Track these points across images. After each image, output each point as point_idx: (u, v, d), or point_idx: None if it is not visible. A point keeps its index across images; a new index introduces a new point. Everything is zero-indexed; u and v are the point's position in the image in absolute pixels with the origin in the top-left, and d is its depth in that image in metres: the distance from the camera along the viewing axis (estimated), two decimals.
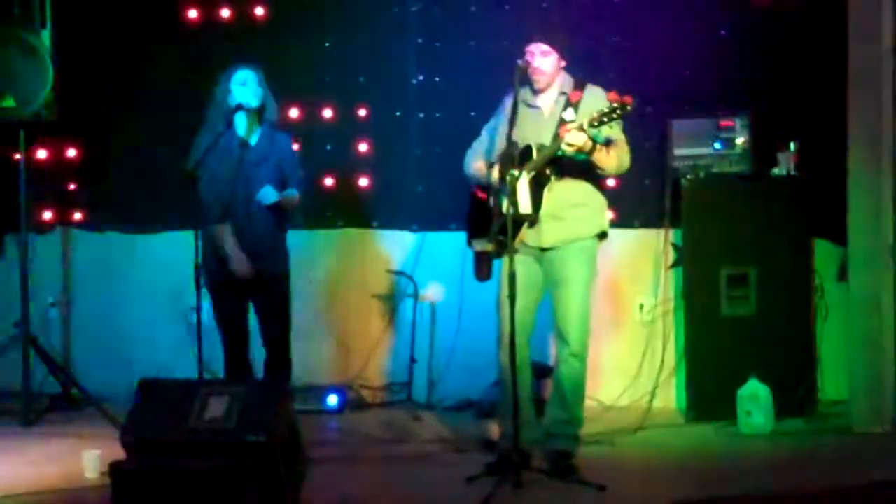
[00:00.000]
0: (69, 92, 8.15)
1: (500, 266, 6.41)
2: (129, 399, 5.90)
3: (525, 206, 6.26)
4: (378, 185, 8.68)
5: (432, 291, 8.37)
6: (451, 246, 7.79)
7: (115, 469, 5.60)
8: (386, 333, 8.63)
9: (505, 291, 6.14)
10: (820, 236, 7.94)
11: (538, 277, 6.45)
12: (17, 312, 8.09)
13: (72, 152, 8.84)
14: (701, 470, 6.68)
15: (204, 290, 6.70)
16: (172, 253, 8.39)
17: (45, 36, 7.91)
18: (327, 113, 8.61)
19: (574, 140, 6.14)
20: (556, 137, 6.27)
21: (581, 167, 6.38)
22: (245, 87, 6.82)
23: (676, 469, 6.74)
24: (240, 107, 6.81)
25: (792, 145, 7.82)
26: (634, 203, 8.22)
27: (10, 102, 7.91)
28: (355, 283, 8.73)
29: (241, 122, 6.91)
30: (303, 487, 5.87)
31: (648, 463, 6.84)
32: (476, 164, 6.65)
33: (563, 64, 6.50)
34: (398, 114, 8.67)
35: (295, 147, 7.34)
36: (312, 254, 8.54)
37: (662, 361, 8.05)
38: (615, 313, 8.35)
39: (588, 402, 6.80)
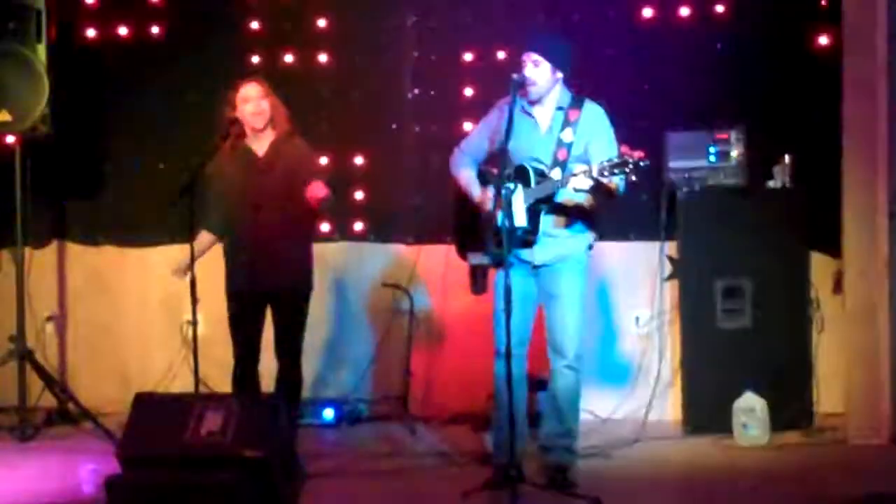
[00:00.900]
0: (65, 106, 8.16)
1: (496, 279, 6.42)
2: (126, 413, 5.90)
3: (520, 219, 6.26)
4: (374, 197, 8.68)
5: None
6: (447, 258, 7.79)
7: (111, 484, 5.60)
8: (382, 347, 8.62)
9: (500, 306, 6.14)
10: (815, 248, 7.95)
11: (533, 291, 6.46)
12: (13, 327, 8.08)
13: (67, 166, 8.83)
14: (697, 482, 6.67)
15: (203, 304, 6.68)
16: (168, 267, 8.39)
17: (41, 51, 7.92)
18: (323, 126, 8.61)
19: (580, 185, 6.13)
20: (566, 162, 6.27)
21: (571, 202, 6.39)
22: (251, 103, 6.79)
23: (673, 482, 6.73)
24: (234, 121, 6.78)
25: (787, 158, 7.84)
26: (630, 215, 8.22)
27: (6, 117, 7.91)
28: (351, 295, 8.73)
29: (252, 136, 6.86)
30: (299, 501, 5.87)
31: (645, 476, 6.83)
32: (464, 170, 6.63)
33: (560, 76, 6.47)
34: (394, 127, 8.68)
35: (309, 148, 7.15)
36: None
37: (658, 374, 8.05)
38: (611, 326, 8.35)
39: (584, 415, 6.81)
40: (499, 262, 6.25)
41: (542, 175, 6.31)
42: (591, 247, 6.54)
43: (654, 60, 8.28)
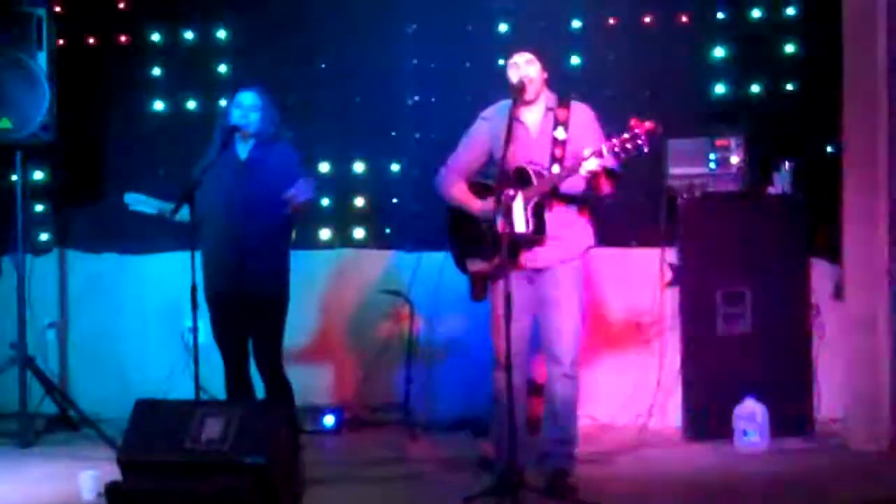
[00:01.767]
0: (66, 114, 8.17)
1: (493, 288, 6.41)
2: (126, 420, 5.91)
3: (521, 225, 6.26)
4: (373, 205, 8.69)
5: None
6: (447, 265, 7.79)
7: (111, 490, 5.61)
8: (382, 353, 8.62)
9: (500, 313, 6.14)
10: (816, 255, 7.94)
11: (531, 299, 6.46)
12: (14, 333, 8.09)
13: (68, 174, 8.84)
14: (698, 489, 6.67)
15: (203, 310, 6.70)
16: (169, 274, 8.41)
17: (42, 58, 7.93)
18: (323, 133, 8.62)
19: (592, 167, 6.14)
20: (563, 159, 6.27)
21: (577, 188, 6.40)
22: (240, 109, 6.80)
23: (673, 488, 6.72)
24: (235, 128, 6.79)
25: (787, 164, 7.84)
26: (630, 222, 8.22)
27: (6, 124, 7.93)
28: (351, 303, 8.74)
29: (239, 143, 6.87)
30: None
31: (645, 482, 6.83)
32: (455, 187, 6.61)
33: (546, 76, 6.50)
34: (394, 134, 8.69)
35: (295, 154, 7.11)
36: (308, 274, 8.54)
37: (659, 380, 8.05)
38: (612, 332, 8.35)
39: (584, 421, 6.81)
40: (498, 270, 6.25)
41: (542, 175, 6.32)
42: (588, 249, 6.54)
43: (655, 67, 8.29)
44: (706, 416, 7.68)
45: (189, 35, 8.80)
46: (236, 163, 6.81)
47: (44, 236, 8.88)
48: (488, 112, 6.60)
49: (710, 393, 7.68)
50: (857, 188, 7.33)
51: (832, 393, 7.77)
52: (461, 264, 6.65)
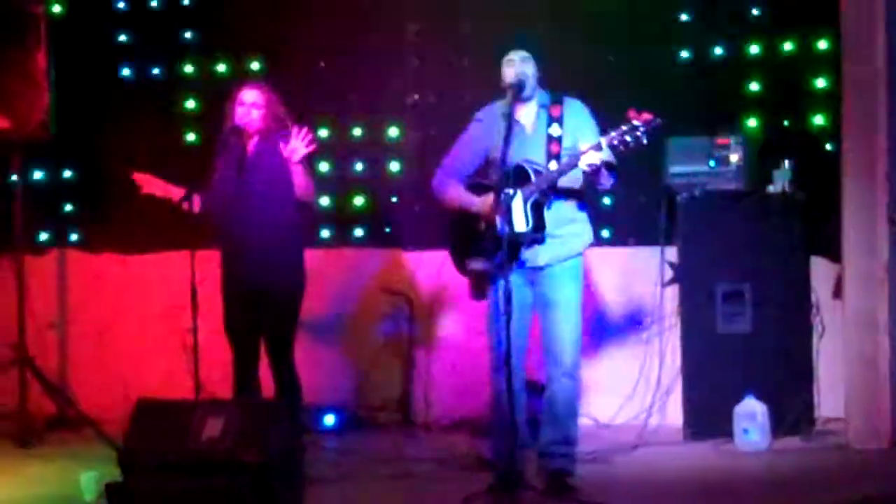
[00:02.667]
0: (65, 113, 8.17)
1: (493, 287, 6.41)
2: (126, 420, 5.90)
3: (521, 224, 6.26)
4: (374, 204, 8.70)
5: None
6: (447, 265, 7.78)
7: (112, 490, 5.61)
8: (382, 352, 8.63)
9: (500, 310, 6.13)
10: (815, 253, 7.94)
11: (530, 299, 6.45)
12: (14, 333, 8.08)
13: (67, 174, 8.86)
14: (698, 488, 6.67)
15: (203, 311, 6.69)
16: (168, 273, 8.41)
17: (41, 57, 7.92)
18: (323, 133, 8.63)
19: (592, 160, 6.14)
20: (559, 154, 6.27)
21: (576, 183, 6.40)
22: (242, 107, 6.79)
23: (673, 487, 6.72)
24: (236, 128, 6.78)
25: (786, 163, 7.85)
26: (630, 221, 8.24)
27: (5, 123, 7.92)
28: (351, 302, 8.74)
29: (247, 141, 6.85)
30: None
31: (645, 481, 6.83)
32: (452, 188, 6.59)
33: (539, 75, 6.50)
34: (393, 133, 8.69)
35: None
36: (308, 273, 8.54)
37: (659, 379, 8.05)
38: (611, 331, 8.35)
39: (585, 420, 6.81)
40: (498, 269, 6.25)
41: (540, 173, 6.31)
42: (588, 246, 6.55)
43: (656, 65, 8.29)
44: (706, 415, 7.68)
45: (188, 35, 8.81)
46: (244, 160, 6.80)
47: (43, 236, 8.88)
48: (482, 113, 6.61)
49: (710, 391, 7.68)
50: (856, 186, 7.33)
51: (832, 391, 7.76)
52: (461, 264, 6.64)
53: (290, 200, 6.77)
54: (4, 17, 7.92)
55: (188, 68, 8.85)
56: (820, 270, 7.97)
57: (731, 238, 7.76)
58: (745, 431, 7.40)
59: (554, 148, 6.36)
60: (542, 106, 6.48)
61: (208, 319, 6.92)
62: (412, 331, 8.51)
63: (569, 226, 6.42)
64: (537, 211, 6.29)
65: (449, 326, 8.46)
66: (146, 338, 8.80)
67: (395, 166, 8.68)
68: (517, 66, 6.41)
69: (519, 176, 6.30)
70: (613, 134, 6.09)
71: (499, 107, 6.46)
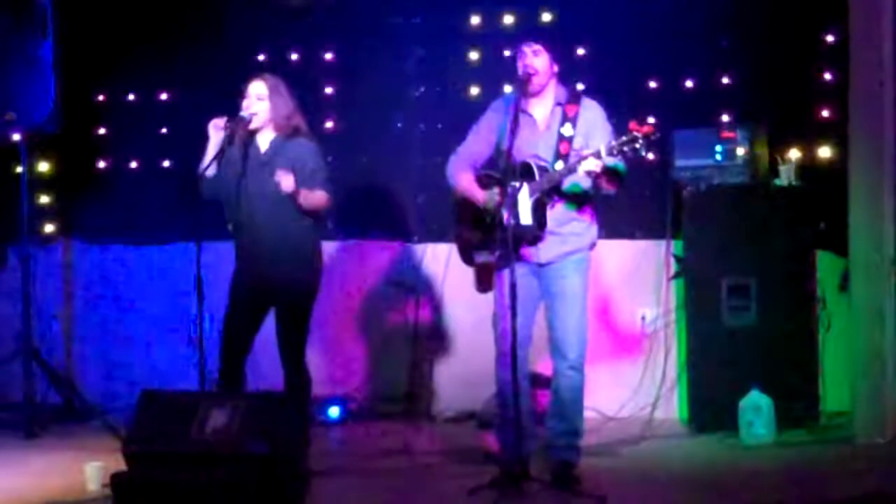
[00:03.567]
0: (71, 104, 8.17)
1: (498, 280, 6.41)
2: (132, 410, 5.91)
3: (526, 218, 6.25)
4: (379, 196, 8.69)
5: None
6: (453, 257, 7.78)
7: (117, 480, 5.61)
8: (387, 344, 8.63)
9: (505, 303, 6.14)
10: (821, 247, 7.93)
11: (535, 292, 6.45)
12: (20, 324, 8.09)
13: (73, 165, 8.85)
14: (703, 481, 6.66)
15: (209, 302, 6.67)
16: (173, 264, 8.43)
17: (48, 48, 7.93)
18: (328, 124, 8.63)
19: (591, 167, 6.13)
20: (570, 162, 6.25)
21: (578, 188, 6.39)
22: (247, 99, 6.76)
23: (678, 480, 6.72)
24: (241, 120, 6.75)
25: (793, 156, 7.84)
26: (636, 214, 8.23)
27: (11, 115, 7.92)
28: (356, 294, 8.74)
29: (259, 135, 6.80)
30: (304, 499, 5.87)
31: (650, 474, 6.83)
32: (462, 175, 6.61)
33: (556, 69, 6.47)
34: (399, 125, 8.69)
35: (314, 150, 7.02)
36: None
37: (664, 372, 8.06)
38: (617, 324, 8.35)
39: (590, 414, 6.80)
40: (504, 261, 6.25)
41: (545, 171, 6.31)
42: (593, 245, 6.54)
43: (661, 58, 8.28)
44: (711, 409, 7.68)
45: (195, 26, 8.82)
46: (255, 156, 6.76)
47: (49, 227, 8.89)
48: (497, 103, 6.60)
49: (716, 385, 7.68)
50: (862, 179, 7.31)
51: (838, 385, 7.76)
52: (467, 256, 6.64)
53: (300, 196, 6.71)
54: (11, 8, 7.91)
55: None
56: (826, 264, 7.96)
57: (736, 231, 7.75)
58: (751, 424, 7.40)
59: (563, 148, 6.35)
60: (557, 103, 6.46)
61: (214, 310, 6.92)
62: (418, 323, 8.51)
63: (571, 224, 6.42)
64: (539, 209, 6.29)
65: (455, 319, 8.46)
66: (152, 329, 8.81)
67: (401, 159, 8.66)
68: (527, 58, 6.40)
69: (524, 173, 6.29)
70: (614, 143, 6.08)
71: (513, 98, 6.45)
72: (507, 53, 8.34)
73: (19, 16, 7.90)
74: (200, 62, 8.69)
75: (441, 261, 8.29)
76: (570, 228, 6.41)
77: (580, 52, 8.32)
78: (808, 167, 7.92)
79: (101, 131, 8.89)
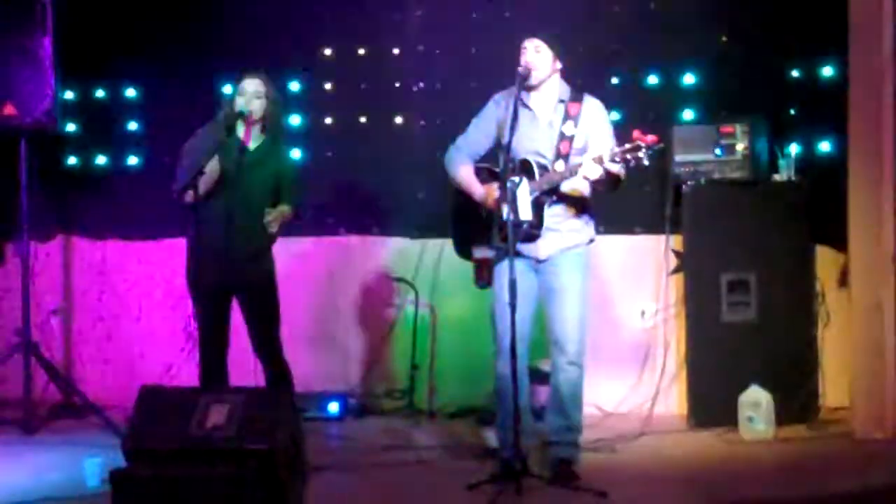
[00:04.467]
0: (70, 100, 8.16)
1: (497, 275, 6.41)
2: (131, 407, 5.90)
3: (525, 212, 6.25)
4: (379, 191, 8.69)
5: None
6: (452, 252, 7.78)
7: (116, 477, 5.60)
8: (387, 340, 8.63)
9: (504, 298, 6.13)
10: (821, 242, 7.94)
11: (534, 287, 6.45)
12: (18, 320, 8.08)
13: (72, 160, 8.85)
14: (702, 476, 6.66)
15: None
16: (172, 260, 8.42)
17: (47, 44, 7.92)
18: (328, 119, 8.62)
19: (591, 174, 6.12)
20: (570, 165, 6.24)
21: (577, 191, 6.39)
22: (244, 96, 6.74)
23: (678, 475, 6.72)
24: (239, 115, 6.73)
25: (792, 151, 7.84)
26: (635, 209, 8.23)
27: (11, 110, 7.91)
28: (355, 290, 8.74)
29: (242, 130, 6.79)
30: (304, 495, 5.87)
31: (649, 469, 6.83)
32: (463, 167, 6.61)
33: (559, 67, 6.47)
34: (399, 120, 8.68)
35: (296, 158, 6.99)
36: (313, 260, 8.56)
37: (663, 367, 8.05)
38: (616, 319, 8.35)
39: (589, 409, 6.80)
40: (503, 256, 6.25)
41: (544, 169, 6.31)
42: (592, 241, 6.54)
43: (660, 53, 8.28)
44: (711, 404, 7.68)
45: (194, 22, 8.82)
46: (241, 151, 6.72)
47: (48, 223, 8.87)
48: (499, 95, 6.58)
49: (715, 380, 7.68)
50: (862, 175, 7.31)
51: (837, 380, 7.76)
52: (465, 251, 6.64)
53: (272, 194, 6.75)
54: (10, 4, 7.90)
55: None
56: (825, 259, 7.96)
57: (736, 227, 7.76)
58: (750, 420, 7.40)
59: (564, 147, 6.35)
60: (560, 100, 6.45)
61: (194, 305, 6.91)
62: (417, 318, 8.51)
63: (569, 221, 6.42)
64: (537, 209, 6.28)
65: (454, 314, 8.45)
66: (151, 324, 8.81)
67: (400, 154, 8.66)
68: (528, 54, 6.39)
69: (523, 171, 6.29)
70: (616, 150, 6.07)
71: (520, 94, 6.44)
72: (507, 48, 8.38)
73: (18, 12, 7.88)
74: (200, 61, 8.69)
75: (441, 256, 8.28)
76: (568, 225, 6.41)
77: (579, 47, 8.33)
78: (807, 162, 7.92)
79: (101, 126, 8.86)
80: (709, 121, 8.02)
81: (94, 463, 6.47)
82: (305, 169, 7.81)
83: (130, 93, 8.89)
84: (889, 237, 7.27)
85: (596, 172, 6.09)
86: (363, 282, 8.74)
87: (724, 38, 8.28)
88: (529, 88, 6.41)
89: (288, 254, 7.47)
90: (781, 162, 7.84)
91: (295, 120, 8.50)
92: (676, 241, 8.07)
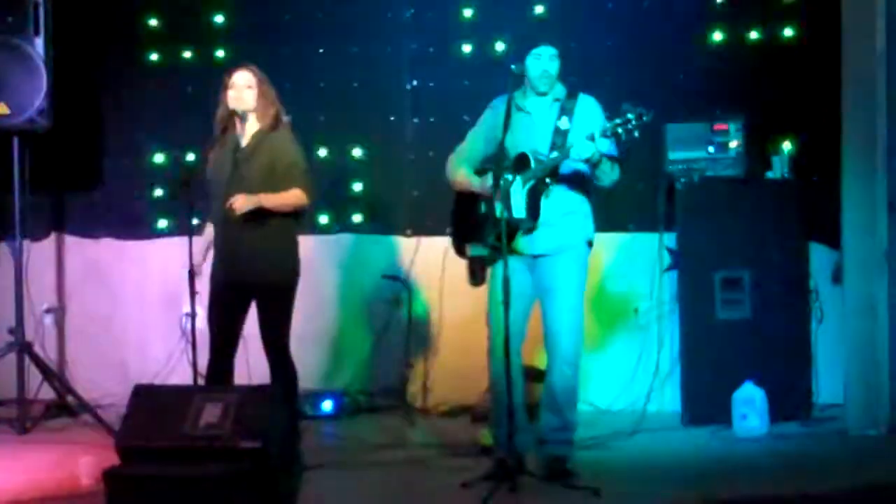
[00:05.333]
0: (63, 99, 8.15)
1: (492, 273, 6.41)
2: (124, 405, 5.90)
3: (519, 210, 6.25)
4: (372, 189, 8.69)
5: None
6: (446, 250, 7.78)
7: (109, 475, 5.60)
8: (381, 338, 8.62)
9: (497, 298, 6.14)
10: (815, 239, 7.95)
11: (529, 285, 6.45)
12: (12, 319, 8.07)
13: (66, 159, 8.83)
14: (696, 473, 6.67)
15: (201, 296, 6.65)
16: (167, 259, 8.41)
17: (39, 43, 7.91)
18: (321, 117, 8.62)
19: (583, 152, 6.12)
20: (564, 147, 6.26)
21: (576, 176, 6.39)
22: (234, 90, 6.70)
23: (672, 473, 6.72)
24: (233, 112, 6.70)
25: (786, 148, 7.84)
26: (629, 207, 8.23)
27: (4, 109, 7.90)
28: (350, 288, 8.73)
29: (241, 126, 6.75)
30: (298, 493, 5.87)
31: (644, 467, 6.83)
32: (461, 170, 6.63)
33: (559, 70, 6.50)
34: (392, 119, 8.68)
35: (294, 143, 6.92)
36: (306, 259, 8.52)
37: (657, 365, 8.06)
38: (610, 317, 8.35)
39: (583, 406, 6.81)
40: (496, 255, 6.25)
41: (540, 161, 6.31)
42: (590, 242, 6.53)
43: (654, 52, 8.29)
44: (705, 401, 7.69)
45: (188, 25, 8.82)
46: (236, 148, 6.70)
47: (41, 221, 8.86)
48: (497, 101, 6.60)
49: (709, 377, 7.69)
50: (855, 172, 7.32)
51: (831, 377, 7.77)
52: (459, 249, 6.64)
53: (278, 190, 6.65)
54: (3, 2, 7.89)
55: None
56: (819, 256, 7.97)
57: (730, 224, 7.76)
58: (744, 417, 7.41)
59: (559, 140, 6.36)
60: (556, 99, 6.47)
61: (206, 305, 6.91)
62: (411, 317, 8.51)
63: (566, 217, 6.41)
64: (534, 198, 6.29)
65: (448, 313, 8.45)
66: (144, 323, 8.80)
67: (394, 152, 8.66)
68: (544, 62, 6.39)
69: (520, 163, 6.30)
70: (607, 125, 6.09)
71: (515, 96, 6.44)
72: (500, 46, 8.39)
73: (11, 11, 7.87)
74: (198, 59, 8.71)
75: (435, 254, 8.27)
76: (564, 220, 6.41)
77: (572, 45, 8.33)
78: (800, 160, 7.92)
79: (94, 125, 8.86)
80: (702, 118, 8.02)
81: (87, 462, 6.46)
82: None
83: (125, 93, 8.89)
84: (882, 233, 7.28)
85: (588, 150, 6.11)
86: (357, 280, 8.74)
87: (717, 36, 8.29)
88: (541, 94, 6.44)
89: None
90: (775, 159, 7.84)
91: (287, 118, 8.46)
92: (670, 239, 8.06)
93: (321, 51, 8.71)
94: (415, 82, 8.66)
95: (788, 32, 8.23)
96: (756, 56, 8.26)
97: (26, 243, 8.36)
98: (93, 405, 8.04)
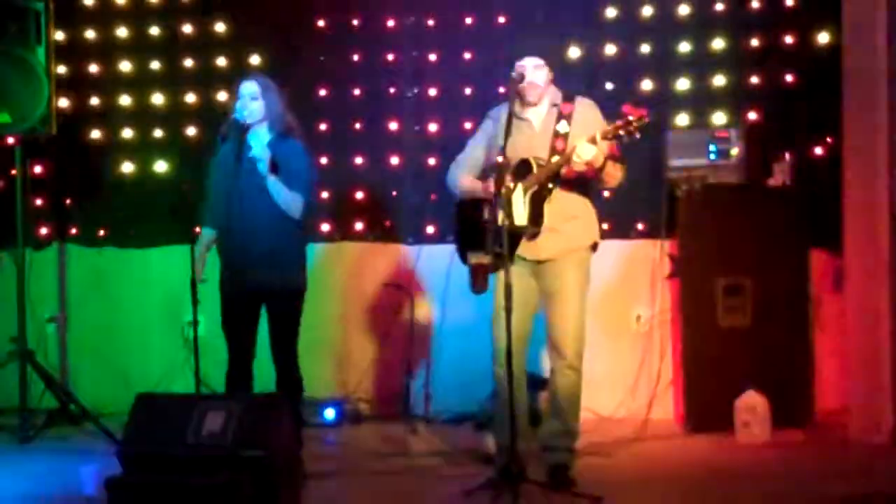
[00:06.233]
0: (65, 108, 8.16)
1: (495, 280, 6.42)
2: (127, 414, 5.90)
3: (520, 217, 6.26)
4: (374, 198, 8.69)
5: None
6: (447, 258, 7.79)
7: (112, 484, 5.60)
8: (382, 346, 8.63)
9: (500, 304, 6.14)
10: (816, 246, 7.94)
11: (533, 290, 6.45)
12: (14, 328, 8.08)
13: (68, 168, 8.84)
14: (698, 481, 6.67)
15: (204, 305, 6.66)
16: (168, 268, 8.42)
17: (41, 52, 7.92)
18: (322, 126, 8.62)
19: (585, 154, 6.13)
20: (564, 151, 6.26)
21: (579, 179, 6.39)
22: (240, 100, 6.71)
23: (674, 480, 6.72)
24: (235, 122, 6.70)
25: (787, 156, 7.85)
26: (630, 214, 8.24)
27: (6, 119, 7.91)
28: (351, 295, 8.74)
29: (252, 136, 6.73)
30: (300, 502, 5.87)
31: (645, 474, 6.83)
32: (463, 179, 6.64)
33: (552, 76, 6.50)
34: (393, 127, 8.68)
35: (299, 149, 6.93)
36: (308, 267, 8.54)
37: (659, 372, 8.06)
38: (611, 324, 8.35)
39: (585, 414, 6.80)
40: (499, 262, 6.24)
41: (542, 166, 6.32)
42: (595, 246, 6.54)
43: (655, 58, 8.30)
44: (706, 408, 7.69)
45: (187, 28, 8.81)
46: (246, 158, 6.69)
47: (44, 230, 8.88)
48: (494, 111, 6.61)
49: (711, 385, 7.69)
50: (857, 179, 7.32)
51: (833, 385, 7.77)
52: (462, 256, 6.65)
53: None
54: (5, 12, 7.90)
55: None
56: (820, 263, 7.97)
57: (731, 231, 7.77)
58: (746, 424, 7.40)
59: (559, 144, 6.36)
60: (553, 105, 6.48)
61: (209, 313, 6.91)
62: (413, 325, 8.51)
63: (570, 222, 6.41)
64: (536, 204, 6.29)
65: (450, 320, 8.45)
66: (146, 332, 8.80)
67: (395, 160, 8.66)
68: (529, 73, 6.39)
69: (522, 169, 6.30)
70: (608, 127, 6.10)
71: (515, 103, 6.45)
72: (501, 55, 8.40)
73: (13, 21, 7.88)
74: (200, 66, 8.71)
75: (436, 262, 8.28)
76: (569, 226, 6.41)
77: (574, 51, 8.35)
78: (802, 166, 7.93)
79: (97, 134, 8.86)
80: (703, 125, 8.03)
81: (90, 470, 6.46)
82: None
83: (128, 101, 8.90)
84: (884, 240, 7.28)
85: (590, 152, 6.11)
86: (359, 288, 8.74)
87: (719, 43, 8.30)
88: (529, 104, 6.43)
89: None
90: (776, 166, 7.84)
91: None
92: (672, 246, 8.07)
93: (321, 58, 8.71)
94: (416, 90, 8.66)
95: (789, 39, 8.23)
96: (757, 63, 8.25)
97: (28, 252, 8.38)
98: (95, 413, 8.04)
